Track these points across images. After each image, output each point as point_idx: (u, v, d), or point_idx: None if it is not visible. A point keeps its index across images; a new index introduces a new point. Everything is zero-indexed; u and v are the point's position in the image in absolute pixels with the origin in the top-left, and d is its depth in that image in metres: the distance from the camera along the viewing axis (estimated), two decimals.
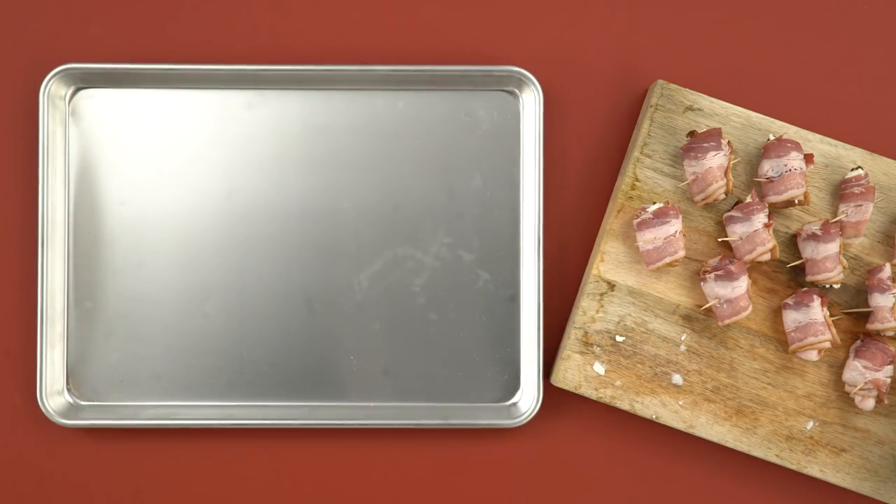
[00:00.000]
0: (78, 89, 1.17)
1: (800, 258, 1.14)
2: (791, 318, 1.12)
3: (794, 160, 1.12)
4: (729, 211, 1.13)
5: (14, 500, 1.18)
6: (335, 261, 1.17)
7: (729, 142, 1.13)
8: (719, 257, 1.12)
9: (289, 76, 1.16)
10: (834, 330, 1.11)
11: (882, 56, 1.20)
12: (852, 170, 1.14)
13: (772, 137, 1.14)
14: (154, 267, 1.17)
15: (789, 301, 1.12)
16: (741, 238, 1.12)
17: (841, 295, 1.15)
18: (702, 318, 1.15)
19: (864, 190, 1.13)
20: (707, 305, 1.12)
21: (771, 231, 1.11)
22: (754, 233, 1.11)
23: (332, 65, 1.16)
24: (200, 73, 1.16)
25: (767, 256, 1.11)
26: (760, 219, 1.11)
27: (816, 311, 1.11)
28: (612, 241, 1.15)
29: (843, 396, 1.15)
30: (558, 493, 1.18)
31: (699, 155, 1.12)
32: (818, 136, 1.16)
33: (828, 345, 1.11)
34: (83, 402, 1.17)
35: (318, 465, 1.18)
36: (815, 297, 1.11)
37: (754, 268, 1.15)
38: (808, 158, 1.13)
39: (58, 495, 1.18)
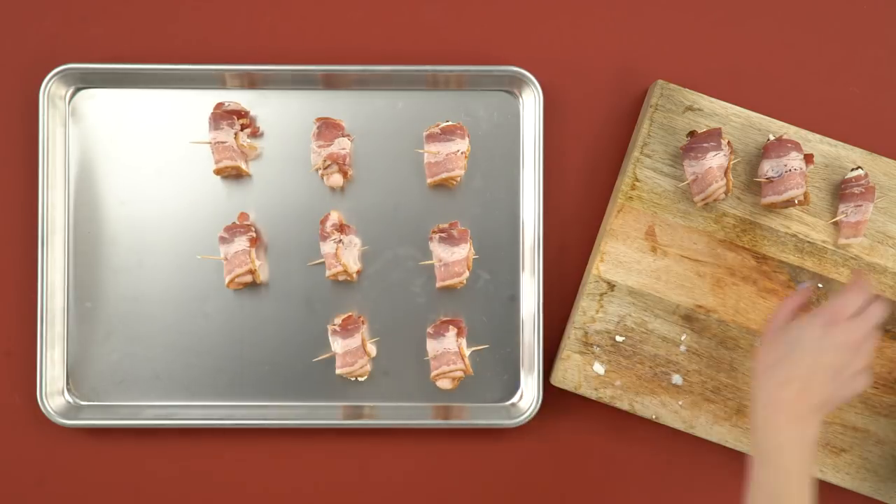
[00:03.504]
0: (78, 89, 1.17)
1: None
2: (431, 346, 1.14)
3: (794, 160, 1.12)
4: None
5: (14, 500, 1.18)
6: None
7: (729, 142, 1.13)
8: None
9: (289, 76, 1.16)
10: (467, 361, 1.13)
11: (882, 56, 1.20)
12: (852, 170, 1.14)
13: (772, 137, 1.14)
14: (154, 267, 1.17)
15: (430, 330, 1.14)
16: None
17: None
18: (702, 318, 1.15)
19: (864, 190, 1.13)
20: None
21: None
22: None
23: (332, 65, 1.16)
24: (200, 73, 1.16)
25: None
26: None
27: (451, 342, 1.13)
28: (612, 241, 1.15)
29: None
30: (558, 492, 1.18)
31: (699, 155, 1.12)
32: (818, 136, 1.16)
33: (460, 374, 1.13)
34: (83, 402, 1.17)
35: (318, 465, 1.18)
36: (450, 327, 1.13)
37: (754, 268, 1.15)
38: (808, 158, 1.13)
39: (58, 495, 1.18)
